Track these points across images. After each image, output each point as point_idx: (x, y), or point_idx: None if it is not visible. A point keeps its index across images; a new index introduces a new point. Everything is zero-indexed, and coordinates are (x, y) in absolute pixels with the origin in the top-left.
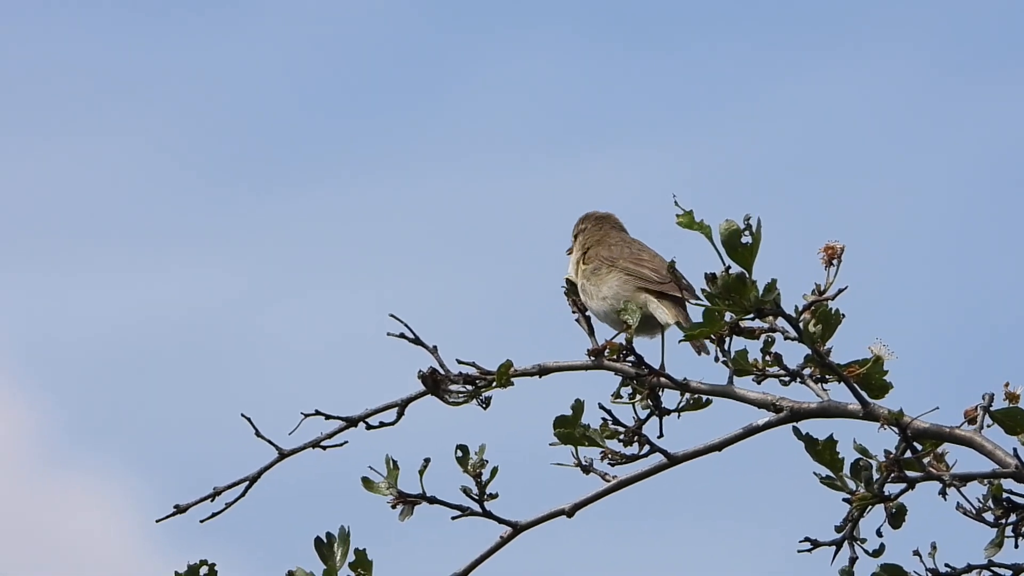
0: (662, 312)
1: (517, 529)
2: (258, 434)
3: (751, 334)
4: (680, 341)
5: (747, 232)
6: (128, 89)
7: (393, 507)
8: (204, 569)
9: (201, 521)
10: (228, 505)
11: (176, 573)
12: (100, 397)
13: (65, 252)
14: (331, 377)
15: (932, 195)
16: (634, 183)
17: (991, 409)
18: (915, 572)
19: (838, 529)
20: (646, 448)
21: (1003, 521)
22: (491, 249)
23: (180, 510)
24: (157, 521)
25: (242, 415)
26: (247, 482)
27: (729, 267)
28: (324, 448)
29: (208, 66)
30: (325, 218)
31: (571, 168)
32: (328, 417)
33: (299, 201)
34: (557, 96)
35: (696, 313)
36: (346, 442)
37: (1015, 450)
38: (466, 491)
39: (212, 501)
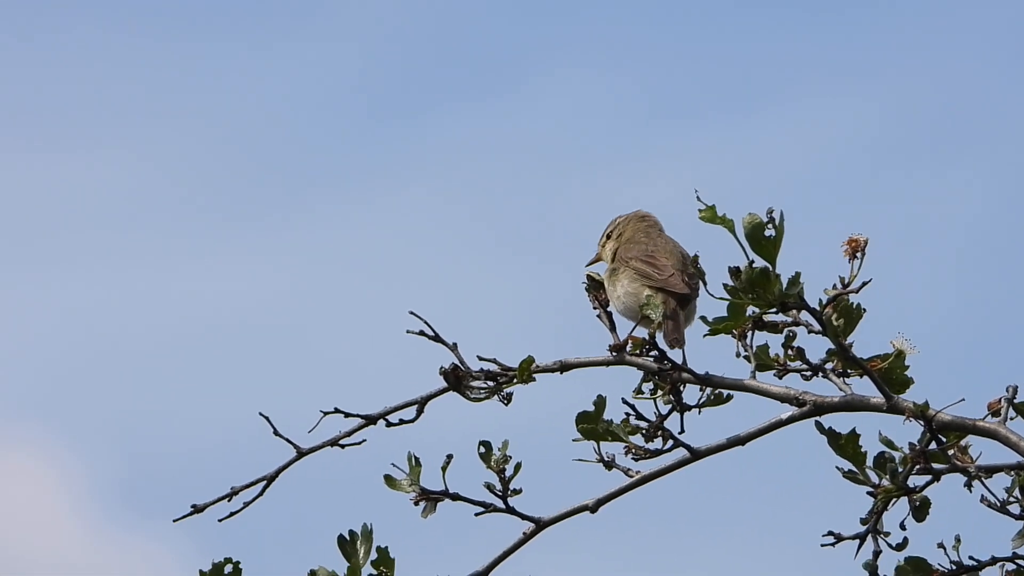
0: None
1: (540, 525)
2: (276, 433)
3: (774, 328)
4: (704, 336)
5: (770, 226)
6: (167, 93)
7: (416, 504)
8: (229, 567)
9: (219, 520)
10: (246, 504)
11: (200, 572)
12: (121, 396)
13: (74, 254)
14: (351, 375)
15: (956, 192)
16: (658, 191)
17: (1015, 401)
18: (939, 565)
19: (863, 522)
20: (669, 443)
21: None
22: (513, 248)
23: (197, 510)
24: (175, 521)
25: (260, 414)
26: (265, 481)
27: (753, 261)
28: (343, 447)
29: (258, 68)
30: (348, 222)
31: (593, 177)
32: (347, 415)
33: (325, 205)
34: (582, 110)
35: (706, 308)
36: (364, 440)
37: None
38: (489, 487)
39: (229, 501)
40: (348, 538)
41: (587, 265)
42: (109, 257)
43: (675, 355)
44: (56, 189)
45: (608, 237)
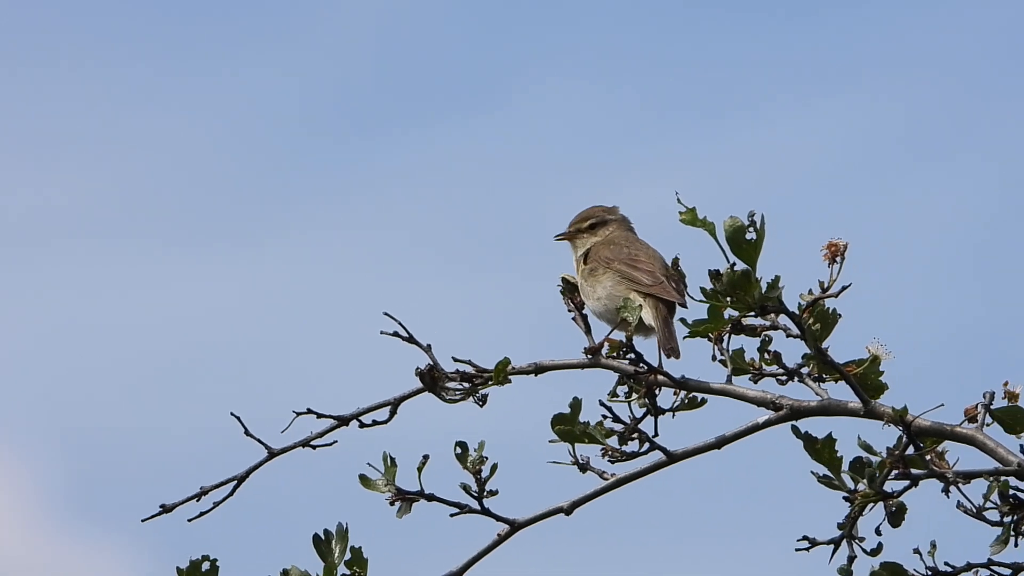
0: (647, 313)
1: (515, 527)
2: (247, 433)
3: (752, 331)
4: (684, 338)
5: (751, 229)
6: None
7: (391, 504)
8: (206, 565)
9: (189, 520)
10: (216, 504)
11: (178, 569)
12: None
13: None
14: (325, 377)
15: (935, 198)
16: (644, 200)
17: (992, 407)
18: (915, 571)
19: (840, 527)
20: (646, 446)
21: (1009, 519)
22: (487, 252)
23: (166, 509)
24: (143, 520)
25: (231, 414)
26: (235, 481)
27: (734, 264)
28: (315, 447)
29: (239, 83)
30: (320, 226)
31: (574, 185)
32: (320, 416)
33: (299, 212)
34: (566, 120)
35: (690, 314)
36: (335, 441)
37: (1021, 447)
38: (465, 488)
39: (199, 501)
40: (323, 537)
41: (556, 238)
42: (71, 267)
43: (652, 358)
44: (20, 202)
45: (592, 228)
